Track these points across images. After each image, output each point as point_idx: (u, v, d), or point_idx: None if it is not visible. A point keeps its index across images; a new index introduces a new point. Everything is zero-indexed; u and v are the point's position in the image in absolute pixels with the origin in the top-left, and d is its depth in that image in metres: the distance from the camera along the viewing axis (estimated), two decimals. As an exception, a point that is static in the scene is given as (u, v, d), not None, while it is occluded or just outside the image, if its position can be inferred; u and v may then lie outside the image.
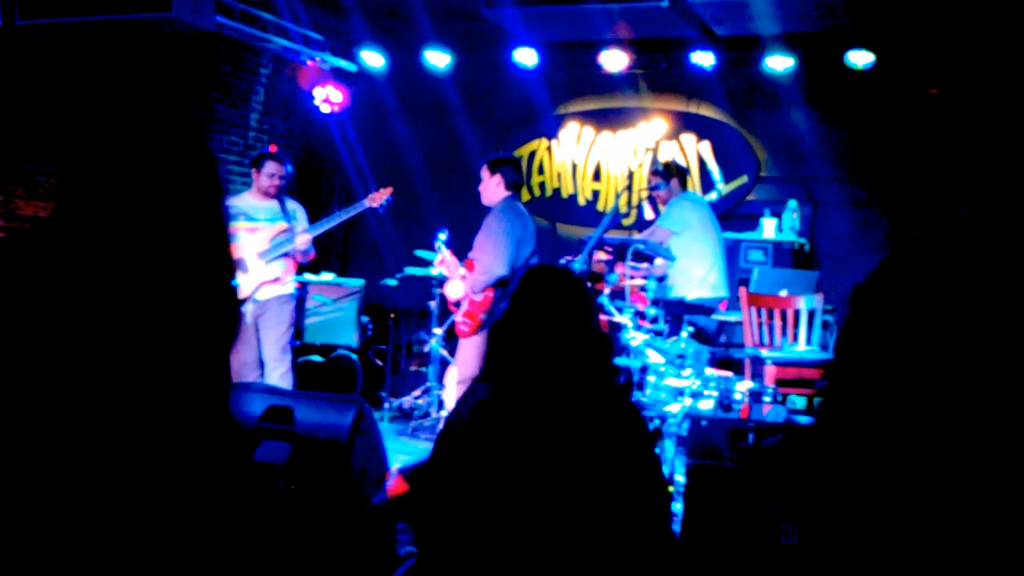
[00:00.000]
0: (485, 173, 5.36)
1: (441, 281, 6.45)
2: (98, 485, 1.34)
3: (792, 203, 7.31)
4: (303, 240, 5.68)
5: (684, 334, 5.16)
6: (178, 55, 7.14)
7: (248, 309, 5.69)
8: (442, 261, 5.66)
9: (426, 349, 6.85)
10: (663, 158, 7.92)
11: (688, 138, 7.95)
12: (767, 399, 4.93)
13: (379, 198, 5.81)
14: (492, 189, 5.33)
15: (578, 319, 2.22)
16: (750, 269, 6.70)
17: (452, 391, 5.79)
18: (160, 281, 1.42)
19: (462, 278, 5.41)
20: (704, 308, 5.70)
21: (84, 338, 1.35)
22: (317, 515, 3.53)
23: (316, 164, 8.98)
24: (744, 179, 7.77)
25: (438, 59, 7.97)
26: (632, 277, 5.67)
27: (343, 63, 8.27)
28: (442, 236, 5.72)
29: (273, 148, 6.03)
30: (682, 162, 7.90)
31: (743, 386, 4.96)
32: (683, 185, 6.34)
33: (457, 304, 5.40)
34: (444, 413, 6.03)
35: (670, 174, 6.30)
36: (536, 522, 1.96)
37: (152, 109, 1.58)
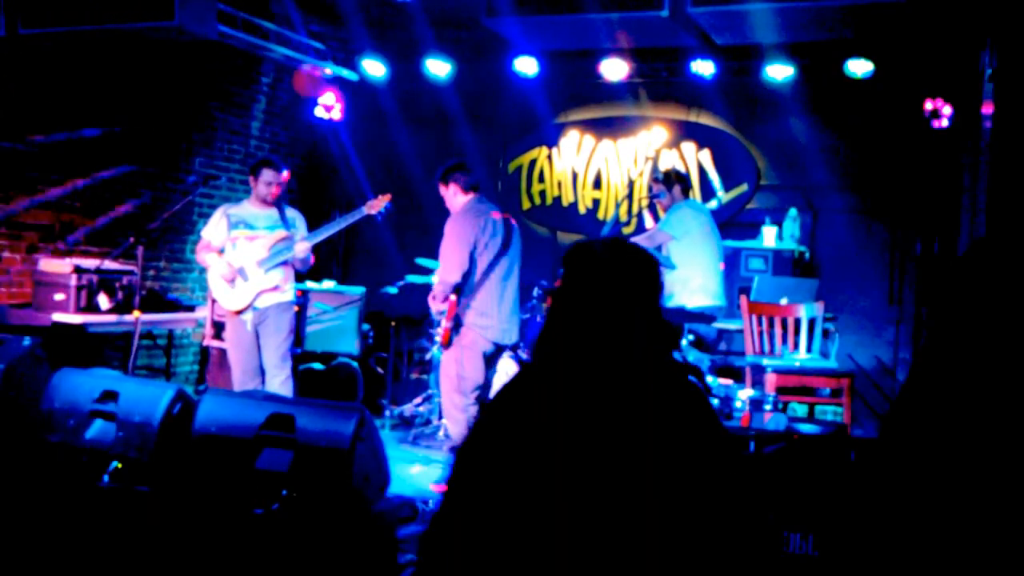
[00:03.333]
0: (442, 189, 5.35)
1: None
2: None
3: (792, 211, 7.32)
4: (302, 248, 5.69)
5: (684, 342, 5.16)
6: (180, 64, 7.16)
7: (248, 317, 5.70)
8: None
9: (427, 357, 6.86)
10: (663, 166, 7.94)
11: (688, 147, 7.97)
12: (768, 407, 4.94)
13: (378, 205, 5.79)
14: (452, 199, 5.31)
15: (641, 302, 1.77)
16: (751, 277, 6.71)
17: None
18: None
19: None
20: (705, 316, 5.70)
21: None
22: (319, 522, 3.53)
23: (317, 172, 9.00)
24: (744, 187, 7.79)
25: (439, 68, 8.00)
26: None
27: (344, 72, 8.29)
28: None
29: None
30: (683, 170, 7.91)
31: (744, 394, 4.96)
32: (685, 192, 6.35)
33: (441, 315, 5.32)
34: (445, 421, 6.01)
35: (671, 181, 6.32)
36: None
37: None
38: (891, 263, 7.34)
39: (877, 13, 6.03)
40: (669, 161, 7.96)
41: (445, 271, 5.10)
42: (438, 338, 5.26)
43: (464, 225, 5.13)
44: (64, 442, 4.32)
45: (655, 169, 7.89)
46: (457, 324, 5.11)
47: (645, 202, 6.76)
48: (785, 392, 5.67)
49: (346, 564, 3.39)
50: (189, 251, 7.48)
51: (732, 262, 6.99)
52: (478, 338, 5.15)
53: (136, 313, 5.77)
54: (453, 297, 5.13)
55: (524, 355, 6.72)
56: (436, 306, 5.19)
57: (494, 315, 5.17)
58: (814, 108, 7.41)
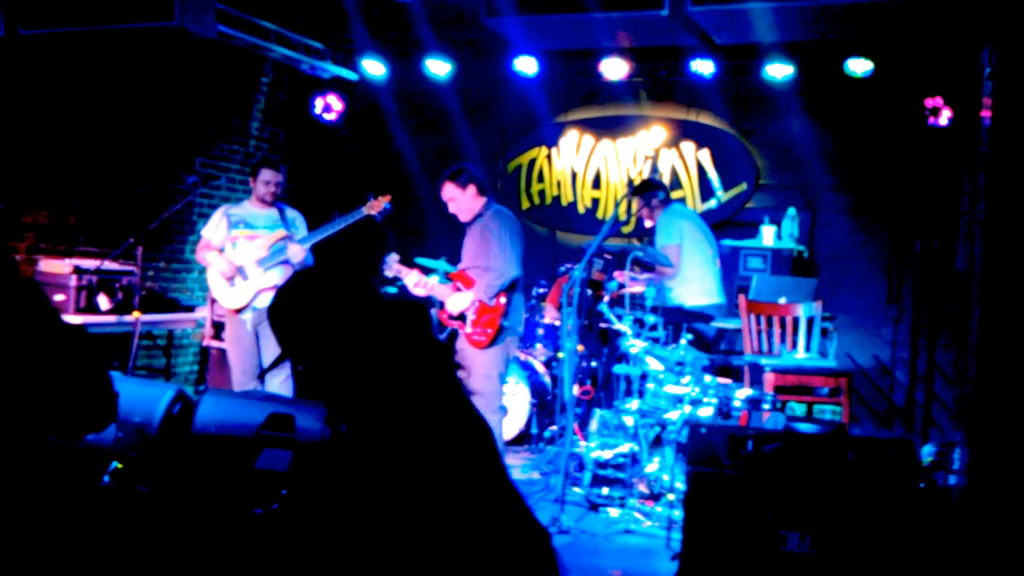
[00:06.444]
0: (456, 190, 5.24)
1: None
2: None
3: (791, 210, 7.33)
4: (294, 251, 5.68)
5: (683, 341, 5.17)
6: (180, 64, 7.17)
7: (247, 317, 5.71)
8: (417, 283, 5.35)
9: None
10: (662, 166, 7.96)
11: (688, 146, 7.98)
12: (766, 406, 4.95)
13: (377, 206, 5.78)
14: (470, 201, 5.23)
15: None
16: (749, 276, 6.72)
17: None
18: None
19: (456, 289, 5.21)
20: (703, 315, 5.71)
21: None
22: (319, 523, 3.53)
23: (316, 172, 9.00)
24: (743, 187, 7.79)
25: (439, 68, 8.00)
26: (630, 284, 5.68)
27: (344, 71, 8.30)
28: (395, 257, 5.49)
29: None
30: (681, 170, 7.94)
31: (742, 393, 4.97)
32: (666, 200, 6.35)
33: (460, 317, 5.16)
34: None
35: (649, 194, 6.27)
36: None
37: None
38: (890, 262, 7.34)
39: (877, 12, 6.03)
40: (668, 160, 7.98)
41: (504, 265, 5.05)
42: (483, 336, 5.06)
43: (509, 223, 5.20)
44: (63, 442, 4.33)
45: (654, 168, 7.91)
46: (502, 327, 5.08)
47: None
48: (783, 391, 5.68)
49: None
50: (189, 251, 7.49)
51: (731, 261, 7.00)
52: (515, 337, 5.25)
53: (136, 313, 5.78)
54: (503, 296, 5.09)
55: (523, 355, 6.73)
56: (486, 303, 5.06)
57: (522, 312, 5.30)
58: (813, 107, 7.42)
